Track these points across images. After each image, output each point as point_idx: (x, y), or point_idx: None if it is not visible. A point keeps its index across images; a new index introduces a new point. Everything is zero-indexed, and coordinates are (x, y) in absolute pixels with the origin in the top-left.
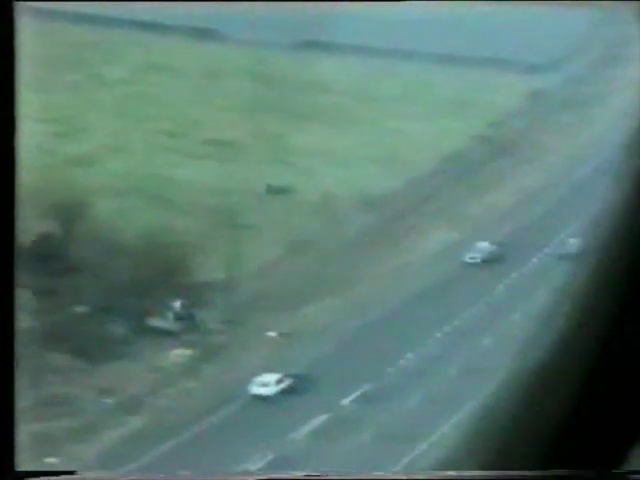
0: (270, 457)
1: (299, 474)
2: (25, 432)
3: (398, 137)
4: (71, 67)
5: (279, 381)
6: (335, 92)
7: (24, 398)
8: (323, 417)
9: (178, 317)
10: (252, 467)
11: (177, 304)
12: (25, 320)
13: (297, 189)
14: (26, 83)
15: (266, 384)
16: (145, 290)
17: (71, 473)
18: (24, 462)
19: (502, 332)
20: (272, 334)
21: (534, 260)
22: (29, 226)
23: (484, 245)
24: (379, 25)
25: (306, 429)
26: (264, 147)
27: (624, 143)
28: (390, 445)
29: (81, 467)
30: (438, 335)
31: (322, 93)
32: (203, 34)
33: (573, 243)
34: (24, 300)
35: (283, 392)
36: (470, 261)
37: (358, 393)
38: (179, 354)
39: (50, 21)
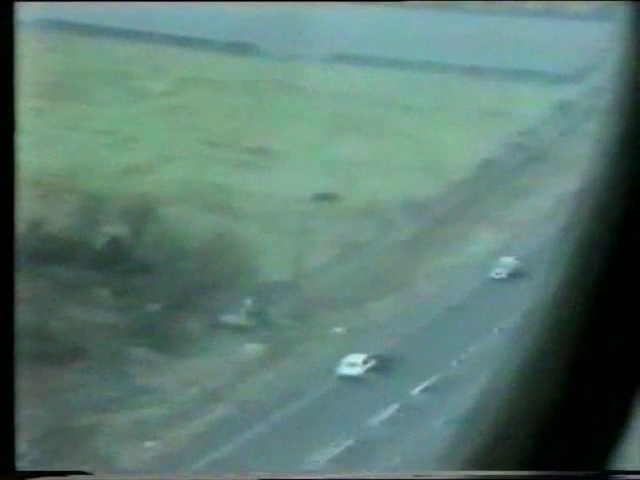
0: (350, 442)
1: (301, 474)
2: (120, 420)
3: (434, 145)
4: (114, 81)
5: (365, 361)
6: (368, 103)
7: (115, 389)
8: (395, 406)
9: (249, 314)
10: (331, 454)
11: (248, 301)
12: (104, 317)
13: (342, 196)
14: (73, 97)
15: (354, 364)
16: (214, 289)
17: (72, 473)
18: (126, 447)
19: None
20: (339, 329)
21: None
22: (100, 231)
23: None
24: (405, 38)
25: (384, 414)
26: (305, 156)
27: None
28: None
29: (175, 450)
30: (495, 330)
31: (355, 104)
32: (237, 48)
33: None
34: (101, 298)
35: (369, 371)
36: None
37: (427, 383)
38: (254, 348)
39: (87, 36)
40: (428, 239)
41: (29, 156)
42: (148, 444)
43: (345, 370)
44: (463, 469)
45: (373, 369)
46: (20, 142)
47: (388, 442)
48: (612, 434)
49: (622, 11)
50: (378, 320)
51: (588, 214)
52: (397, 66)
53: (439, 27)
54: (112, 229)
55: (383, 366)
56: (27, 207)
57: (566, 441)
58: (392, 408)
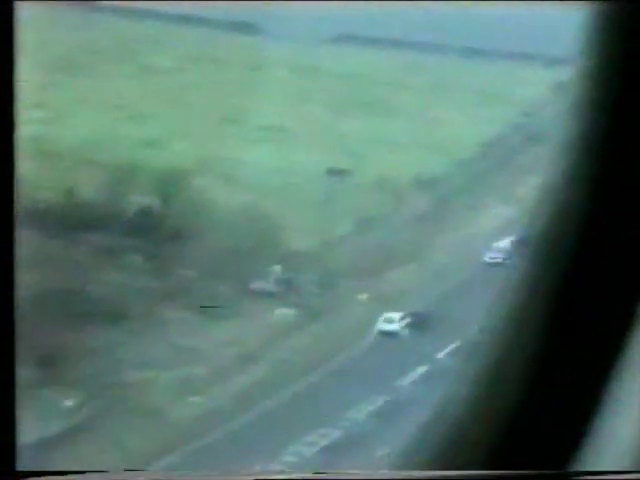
0: (381, 402)
1: (299, 474)
2: (165, 377)
3: (438, 124)
4: (121, 57)
5: (402, 318)
6: (372, 83)
7: (157, 348)
8: (423, 368)
9: (278, 281)
10: (367, 410)
11: (277, 269)
12: (141, 281)
13: (354, 171)
14: (83, 72)
15: (391, 320)
16: (243, 257)
17: (73, 473)
18: (173, 402)
19: None
20: (363, 296)
21: None
22: (129, 200)
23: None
24: (406, 20)
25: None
26: (315, 133)
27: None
28: None
29: (219, 405)
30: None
31: (360, 84)
32: (240, 28)
33: None
34: (136, 264)
35: (405, 327)
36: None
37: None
38: (285, 313)
39: (92, 12)
40: (440, 213)
41: (48, 129)
42: (193, 399)
43: (383, 326)
44: (425, 469)
45: (408, 326)
46: (37, 116)
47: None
48: (576, 434)
49: (587, 11)
50: (399, 288)
51: (549, 214)
52: (397, 47)
53: (437, 8)
54: (141, 199)
55: (417, 324)
56: (58, 177)
57: (531, 440)
58: (422, 369)
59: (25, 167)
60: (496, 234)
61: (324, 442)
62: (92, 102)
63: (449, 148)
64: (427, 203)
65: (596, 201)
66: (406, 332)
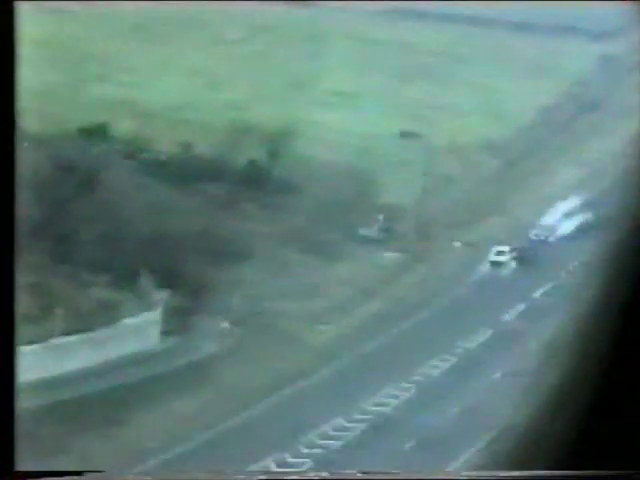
0: (489, 334)
1: (299, 474)
2: (295, 308)
3: (495, 93)
4: (191, 27)
5: (510, 251)
6: (427, 53)
7: (284, 284)
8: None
9: (382, 228)
10: (477, 341)
11: (380, 217)
12: (257, 227)
13: (425, 135)
14: (159, 40)
15: (502, 253)
16: (346, 208)
17: (73, 473)
18: (305, 329)
19: None
20: (457, 244)
21: None
22: (234, 156)
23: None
24: None
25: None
26: (382, 99)
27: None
28: None
29: (345, 333)
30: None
31: (416, 54)
32: (294, 1)
33: None
34: (250, 212)
35: (512, 260)
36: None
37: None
38: (392, 257)
39: None
40: (512, 174)
41: (139, 92)
42: (322, 327)
43: (495, 257)
44: (506, 464)
45: (514, 259)
46: (124, 79)
47: None
48: None
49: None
50: (488, 236)
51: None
52: (445, 21)
53: None
54: (247, 154)
55: (521, 258)
56: (167, 133)
57: (604, 440)
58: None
59: (129, 125)
60: (567, 193)
61: (446, 365)
62: (172, 69)
63: (508, 115)
64: (498, 165)
65: None
66: (513, 264)
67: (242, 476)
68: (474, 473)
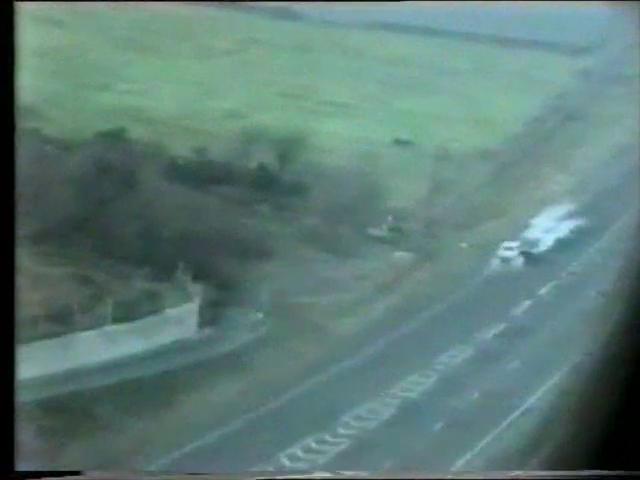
0: (502, 327)
1: (299, 474)
2: (318, 301)
3: (480, 104)
4: (182, 39)
5: (519, 246)
6: (415, 66)
7: (304, 279)
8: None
9: (391, 229)
10: (491, 333)
11: (389, 218)
12: (271, 226)
13: (417, 142)
14: (153, 51)
15: (510, 248)
16: (355, 209)
17: (73, 473)
18: (330, 321)
19: None
20: (463, 244)
21: None
22: (246, 161)
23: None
24: (436, 10)
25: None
26: (373, 109)
27: None
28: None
29: (368, 324)
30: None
31: (402, 66)
32: (281, 13)
33: None
34: (264, 212)
35: (520, 255)
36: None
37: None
38: (402, 255)
39: None
40: (505, 179)
41: (139, 101)
42: (346, 320)
43: (504, 253)
44: (538, 465)
45: (522, 254)
46: (125, 89)
47: None
48: None
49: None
50: (492, 238)
51: None
52: (430, 35)
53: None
54: (257, 159)
55: (528, 254)
56: (180, 140)
57: (633, 441)
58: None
59: (138, 131)
60: (560, 198)
61: (463, 355)
62: (169, 78)
63: (497, 125)
64: (491, 171)
65: None
66: (520, 259)
67: (242, 476)
68: (474, 473)
